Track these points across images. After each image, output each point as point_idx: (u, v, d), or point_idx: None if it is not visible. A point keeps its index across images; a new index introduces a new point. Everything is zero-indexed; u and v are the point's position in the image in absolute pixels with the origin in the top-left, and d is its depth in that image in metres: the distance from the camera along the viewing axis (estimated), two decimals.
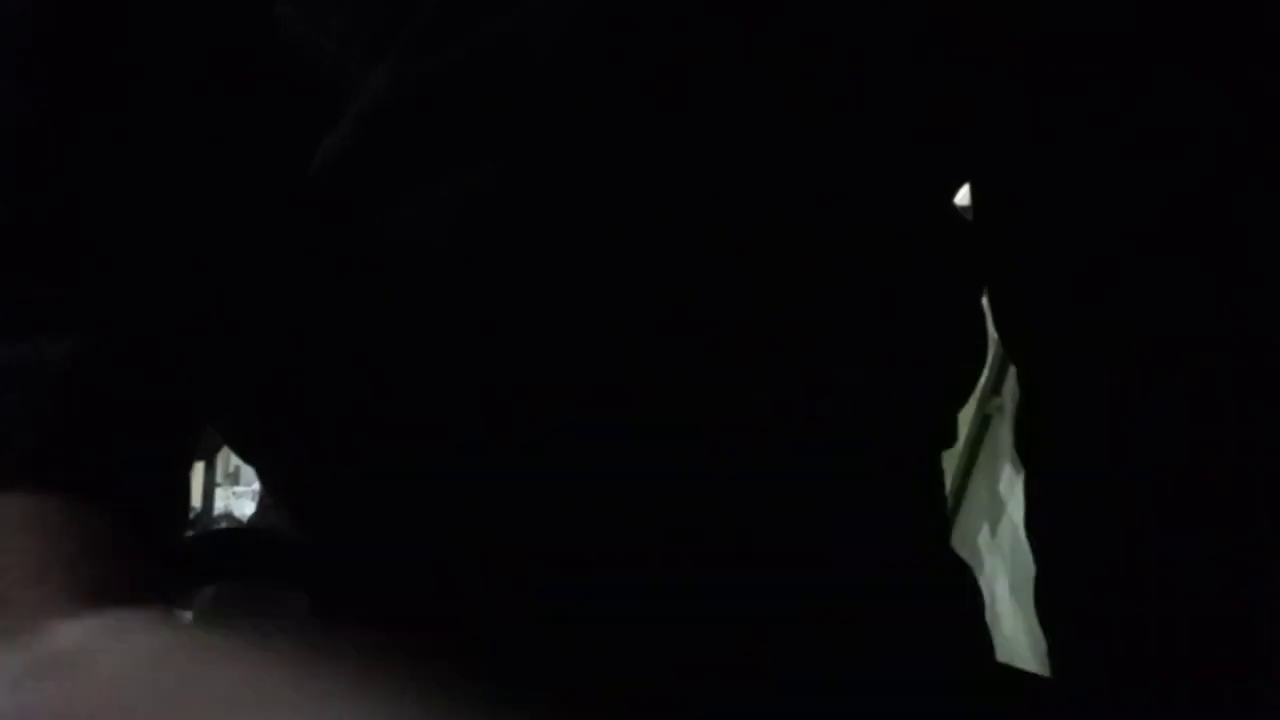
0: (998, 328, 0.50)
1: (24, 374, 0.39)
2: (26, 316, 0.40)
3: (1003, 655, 0.52)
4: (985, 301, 0.51)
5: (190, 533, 0.49)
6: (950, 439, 0.51)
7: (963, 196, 0.50)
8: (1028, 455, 0.49)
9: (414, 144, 0.42)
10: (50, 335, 0.40)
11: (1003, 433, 2.39)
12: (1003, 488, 2.39)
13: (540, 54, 0.41)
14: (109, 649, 0.34)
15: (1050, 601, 0.48)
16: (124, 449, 0.40)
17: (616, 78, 0.42)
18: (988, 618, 0.52)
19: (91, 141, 0.43)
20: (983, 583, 0.52)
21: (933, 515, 0.52)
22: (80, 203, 0.42)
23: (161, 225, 0.43)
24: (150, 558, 0.39)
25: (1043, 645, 0.48)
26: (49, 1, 0.43)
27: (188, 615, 0.51)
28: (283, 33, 0.43)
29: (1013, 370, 0.50)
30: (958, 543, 0.52)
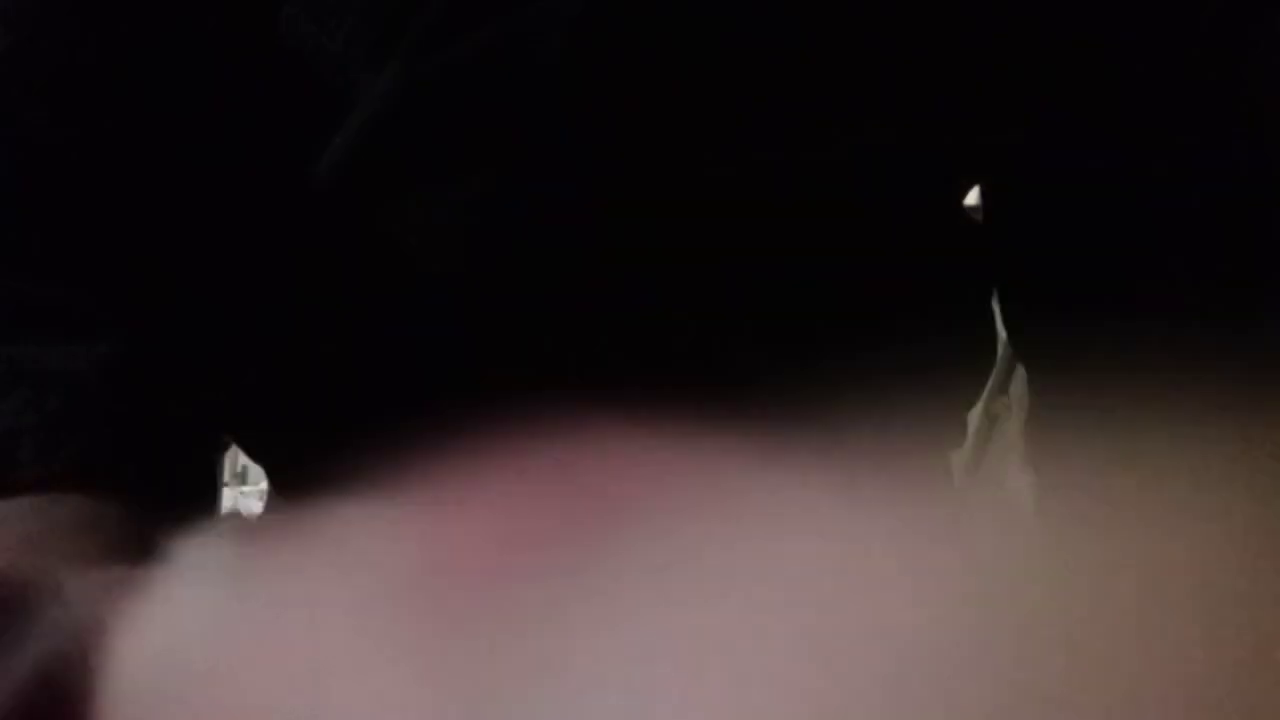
0: (1007, 329, 0.50)
1: (66, 378, 0.40)
2: (63, 324, 0.41)
3: None
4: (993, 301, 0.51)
5: None
6: (959, 439, 0.51)
7: (972, 197, 0.50)
8: (1037, 458, 0.49)
9: (421, 143, 0.42)
10: (85, 341, 0.40)
11: (1010, 433, 2.38)
12: (1009, 488, 2.38)
13: (545, 54, 0.41)
14: None
15: None
16: (162, 448, 0.41)
17: (621, 77, 0.42)
18: None
19: (112, 149, 0.43)
20: None
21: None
22: (106, 210, 0.43)
23: (180, 228, 0.43)
24: None
25: None
26: (62, 19, 0.43)
27: None
28: (289, 33, 0.43)
29: (1019, 370, 0.50)
30: None
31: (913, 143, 0.45)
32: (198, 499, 0.44)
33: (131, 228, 0.43)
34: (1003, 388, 2.27)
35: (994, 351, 0.50)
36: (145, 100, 0.44)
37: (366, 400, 0.44)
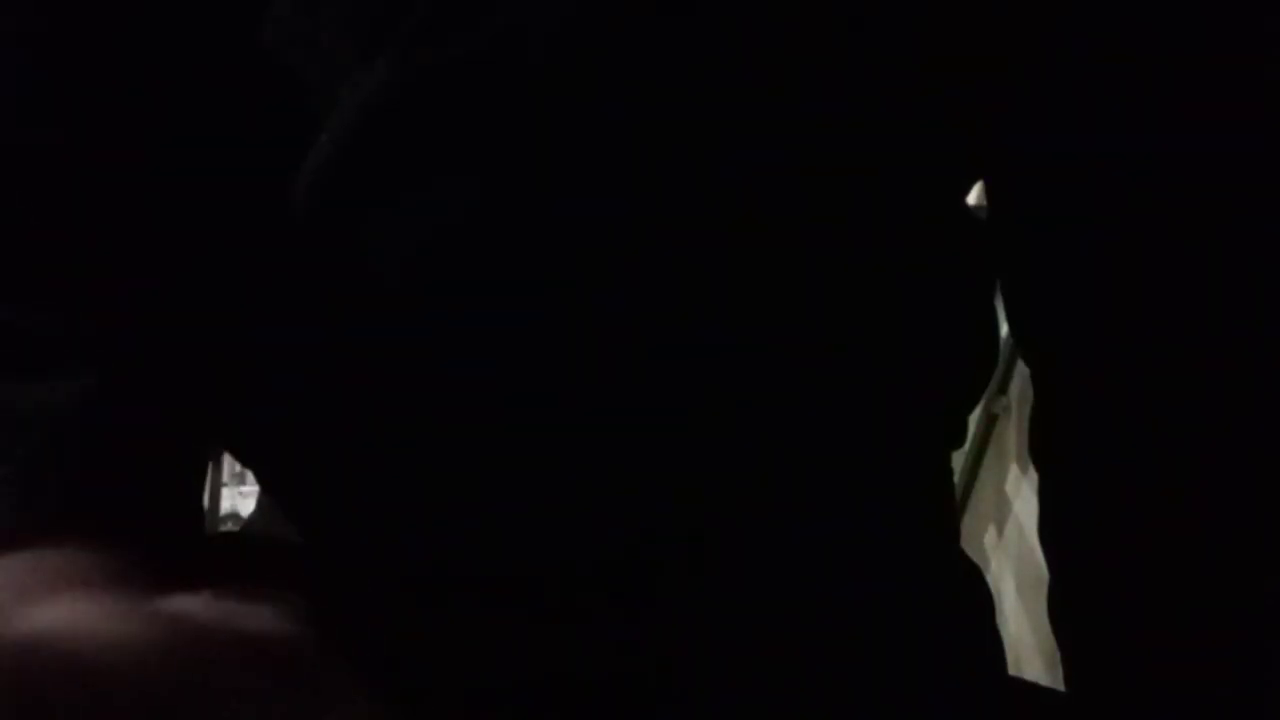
0: (1011, 328, 0.50)
1: (43, 415, 0.38)
2: (38, 354, 0.39)
3: (1010, 656, 0.52)
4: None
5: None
6: (960, 439, 0.51)
7: (975, 195, 0.50)
8: (1041, 459, 0.49)
9: (413, 142, 0.41)
10: (63, 373, 0.39)
11: (1009, 432, 2.38)
12: (1009, 488, 2.38)
13: (538, 51, 0.41)
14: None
15: (1064, 610, 0.47)
16: (144, 483, 0.40)
17: (615, 75, 0.41)
18: (995, 619, 0.52)
19: (90, 164, 0.42)
20: (989, 583, 0.52)
21: (943, 516, 0.51)
22: (82, 227, 0.41)
23: (162, 242, 0.43)
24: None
25: (1050, 646, 0.48)
26: (40, 20, 0.42)
27: None
28: (277, 27, 0.43)
29: (1019, 370, 0.50)
30: (964, 543, 0.52)
31: (915, 140, 0.44)
32: (178, 529, 0.42)
33: (109, 245, 0.42)
34: (1003, 388, 2.28)
35: (996, 351, 0.50)
36: (124, 111, 0.43)
37: (354, 406, 0.44)
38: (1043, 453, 0.49)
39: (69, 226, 0.41)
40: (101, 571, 0.36)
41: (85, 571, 0.36)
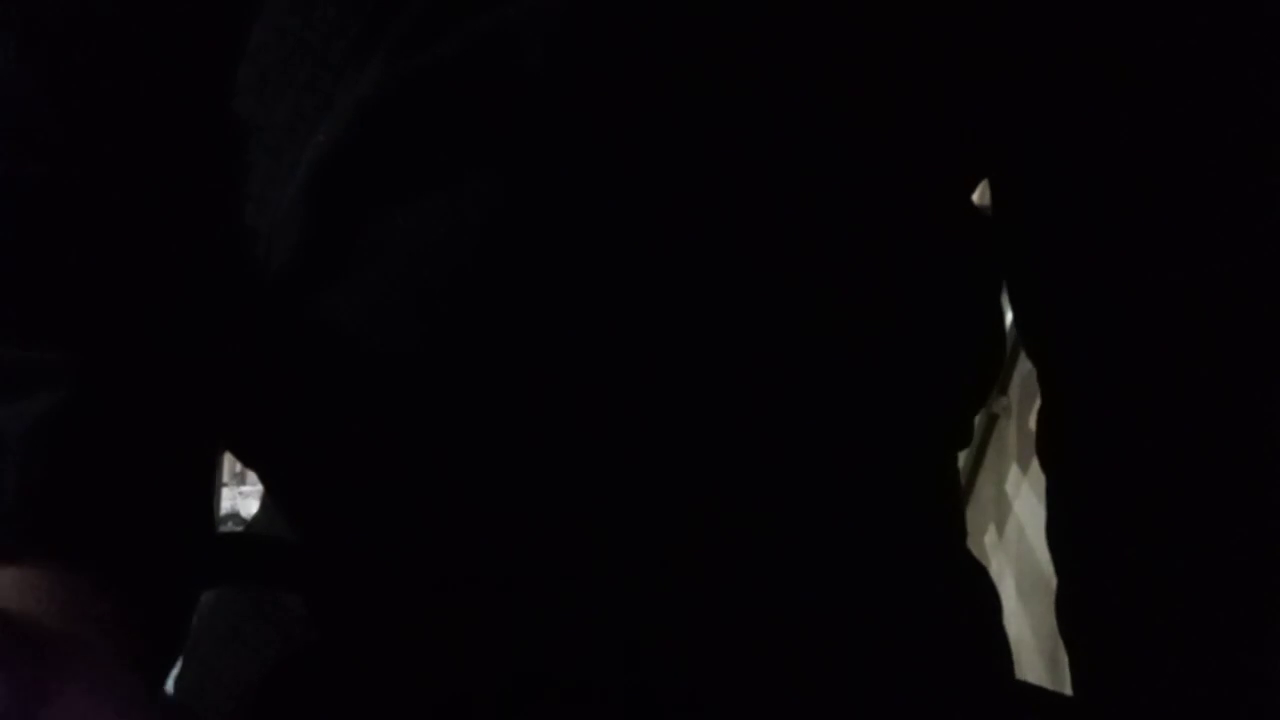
0: (1019, 329, 0.50)
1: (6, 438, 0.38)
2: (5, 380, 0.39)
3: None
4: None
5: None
6: (966, 439, 0.51)
7: (977, 196, 0.50)
8: (1049, 461, 0.49)
9: (408, 146, 0.41)
10: (20, 397, 0.38)
11: (1009, 432, 2.38)
12: (1009, 488, 2.38)
13: (533, 53, 0.40)
14: None
15: (1072, 615, 0.47)
16: (107, 511, 0.39)
17: (609, 75, 0.41)
18: None
19: (72, 181, 0.41)
20: None
21: (949, 516, 0.51)
22: (59, 251, 0.41)
23: (145, 254, 0.42)
24: (130, 629, 0.38)
25: (1050, 646, 0.48)
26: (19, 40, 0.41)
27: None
28: (271, 28, 0.43)
29: (1019, 370, 0.50)
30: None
31: (920, 141, 0.44)
32: (156, 562, 0.41)
33: (88, 265, 0.41)
34: (1003, 388, 2.28)
35: (1003, 350, 0.50)
36: (110, 120, 0.42)
37: (358, 415, 0.43)
38: (1050, 455, 0.49)
39: (45, 251, 0.41)
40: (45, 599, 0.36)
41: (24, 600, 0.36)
